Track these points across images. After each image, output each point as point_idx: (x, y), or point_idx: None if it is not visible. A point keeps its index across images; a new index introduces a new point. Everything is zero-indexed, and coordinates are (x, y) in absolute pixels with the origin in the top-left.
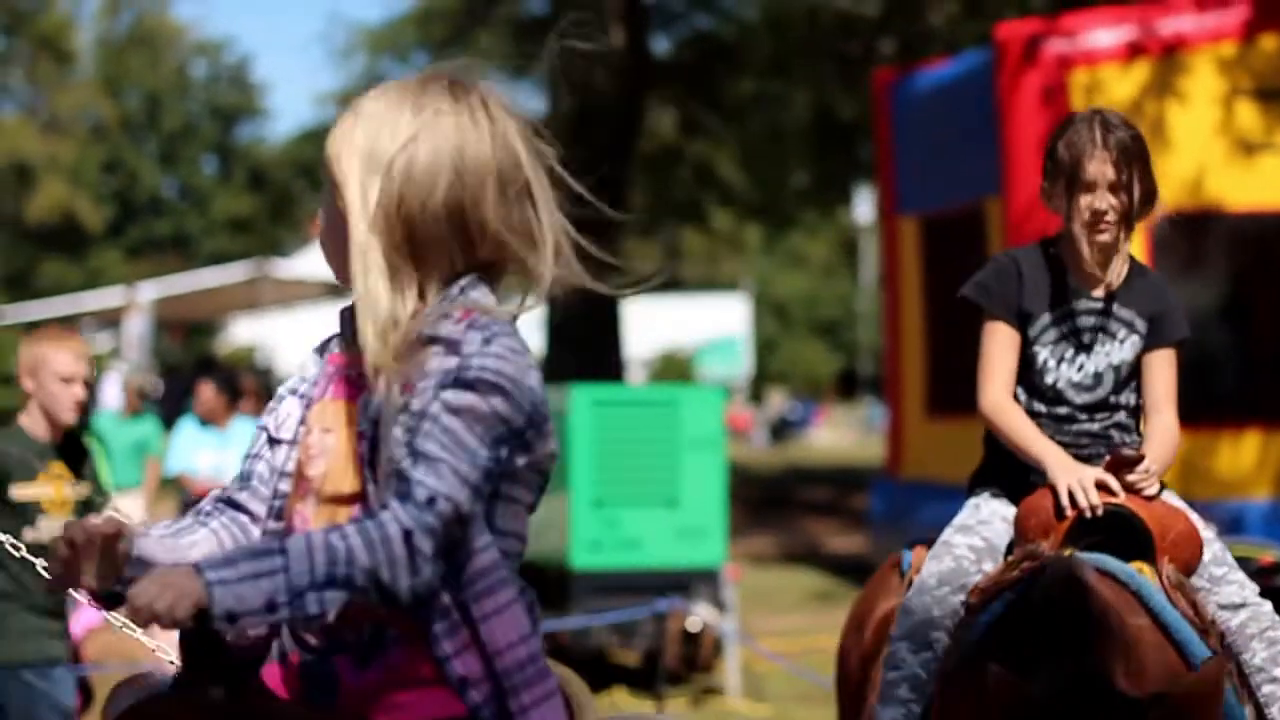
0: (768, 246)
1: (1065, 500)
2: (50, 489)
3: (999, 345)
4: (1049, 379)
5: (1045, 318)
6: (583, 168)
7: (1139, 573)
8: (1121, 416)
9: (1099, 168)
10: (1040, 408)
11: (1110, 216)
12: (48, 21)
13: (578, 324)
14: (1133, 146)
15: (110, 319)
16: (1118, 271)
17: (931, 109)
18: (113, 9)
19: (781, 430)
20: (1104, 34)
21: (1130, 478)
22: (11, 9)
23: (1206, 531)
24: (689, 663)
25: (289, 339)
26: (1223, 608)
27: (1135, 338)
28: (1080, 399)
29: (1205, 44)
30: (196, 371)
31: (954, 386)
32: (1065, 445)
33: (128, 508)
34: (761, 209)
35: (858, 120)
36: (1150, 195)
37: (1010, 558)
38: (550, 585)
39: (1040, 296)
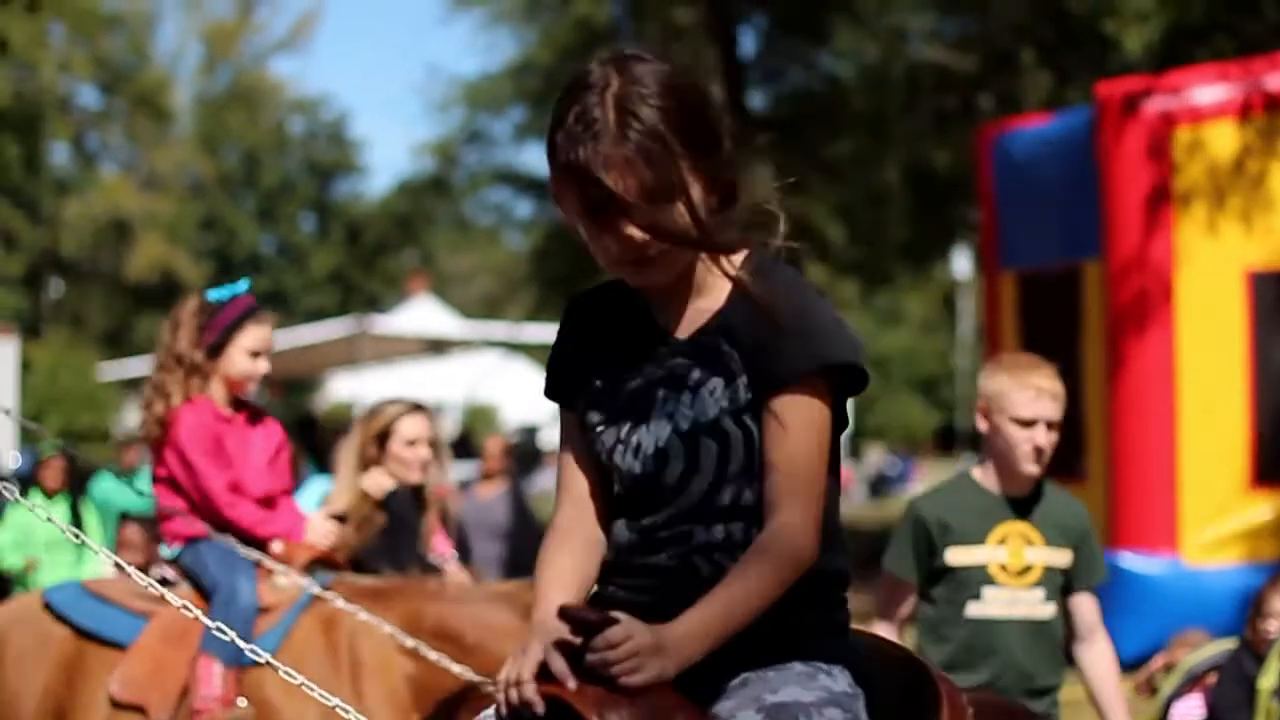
0: (864, 303)
1: (500, 693)
2: (1004, 553)
3: (564, 442)
4: (614, 478)
5: (596, 385)
6: None
7: None
8: (721, 529)
9: (616, 176)
10: (621, 529)
11: (649, 250)
12: (146, 79)
13: None
14: (666, 130)
15: None
16: (711, 301)
17: (1033, 165)
18: (211, 66)
19: (880, 486)
20: (1207, 90)
21: (591, 657)
22: (111, 67)
23: None
24: None
25: (388, 395)
26: None
27: (720, 383)
28: (649, 496)
29: None
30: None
31: None
32: (632, 591)
33: None
34: (859, 265)
35: (955, 176)
36: (726, 186)
37: None
38: None
39: (607, 356)
